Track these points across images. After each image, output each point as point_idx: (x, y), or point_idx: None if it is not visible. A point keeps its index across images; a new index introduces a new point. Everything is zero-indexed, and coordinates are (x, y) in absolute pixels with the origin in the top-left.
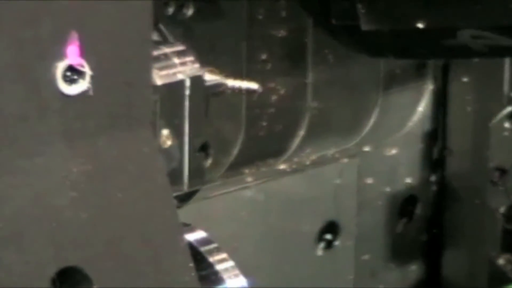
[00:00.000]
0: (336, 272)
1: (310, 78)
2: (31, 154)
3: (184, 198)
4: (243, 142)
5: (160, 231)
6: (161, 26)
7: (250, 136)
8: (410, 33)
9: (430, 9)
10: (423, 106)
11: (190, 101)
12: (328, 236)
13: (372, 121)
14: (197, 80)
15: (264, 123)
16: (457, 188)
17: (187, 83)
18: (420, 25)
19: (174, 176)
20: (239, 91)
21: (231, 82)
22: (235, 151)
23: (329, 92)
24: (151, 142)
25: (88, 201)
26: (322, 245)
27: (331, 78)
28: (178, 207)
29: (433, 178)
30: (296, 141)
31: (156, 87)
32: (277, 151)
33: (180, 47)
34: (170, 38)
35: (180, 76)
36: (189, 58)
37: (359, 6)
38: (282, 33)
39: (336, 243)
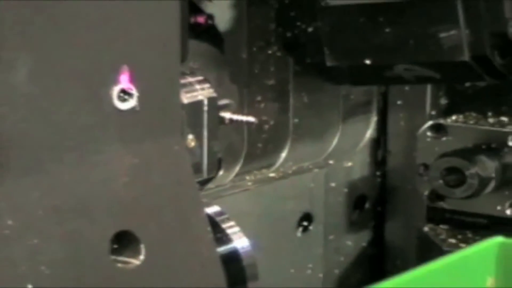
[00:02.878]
0: (311, 248)
1: (291, 112)
2: (96, 152)
3: (203, 183)
4: (245, 158)
5: (187, 205)
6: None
7: (250, 154)
8: (361, 67)
9: (374, 50)
10: (370, 133)
11: (207, 114)
12: (305, 223)
13: (334, 142)
14: (212, 100)
15: (260, 144)
16: (395, 179)
17: (205, 102)
18: (367, 62)
19: (197, 167)
20: (242, 122)
21: (236, 116)
22: (239, 164)
23: (305, 122)
24: (180, 143)
25: (136, 184)
26: (300, 229)
27: (306, 113)
28: (200, 189)
29: (378, 173)
30: (282, 156)
31: (183, 105)
32: (269, 164)
33: (200, 77)
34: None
35: (200, 97)
36: (207, 85)
37: (325, 48)
38: (272, 82)
39: (311, 227)
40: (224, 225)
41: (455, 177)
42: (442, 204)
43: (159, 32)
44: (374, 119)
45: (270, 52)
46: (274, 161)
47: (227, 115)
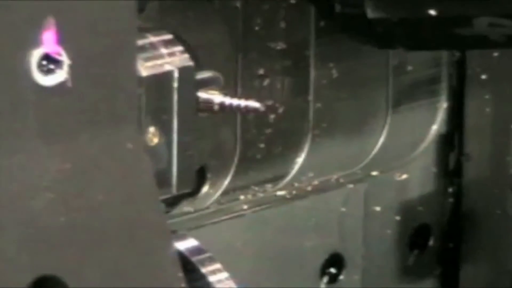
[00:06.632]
0: None
1: (312, 95)
2: (4, 152)
3: (173, 202)
4: (238, 166)
5: (146, 237)
6: None
7: (245, 159)
8: (422, 22)
9: None
10: (437, 126)
11: (179, 94)
12: (333, 270)
13: (380, 142)
14: (186, 71)
15: (261, 145)
16: (475, 200)
17: (175, 74)
18: (432, 13)
19: (162, 177)
20: (238, 110)
21: (229, 100)
22: (229, 175)
23: (333, 110)
24: (136, 140)
25: (66, 204)
26: (325, 279)
27: (336, 95)
28: (167, 212)
29: (449, 189)
30: (297, 164)
31: (141, 79)
32: (276, 176)
33: (168, 36)
34: None
35: (167, 67)
36: (178, 48)
37: None
38: (281, 45)
39: (341, 277)
40: (205, 269)
41: None
42: None
43: None
44: (443, 105)
45: None
46: (285, 171)
47: (215, 97)
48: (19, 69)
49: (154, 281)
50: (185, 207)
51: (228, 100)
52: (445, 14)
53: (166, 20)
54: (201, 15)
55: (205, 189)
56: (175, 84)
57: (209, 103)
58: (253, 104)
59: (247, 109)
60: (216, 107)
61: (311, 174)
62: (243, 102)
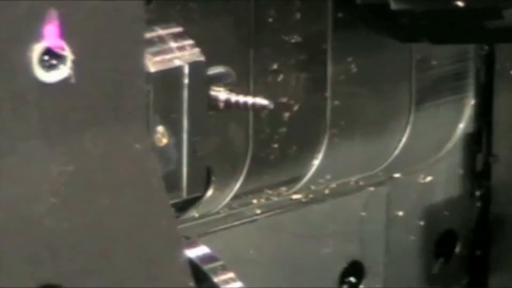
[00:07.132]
0: None
1: (329, 91)
2: (3, 153)
3: (183, 207)
4: (250, 167)
5: (155, 244)
6: None
7: (258, 160)
8: (448, 14)
9: None
10: (463, 124)
11: (189, 91)
12: (352, 279)
13: (403, 142)
14: (197, 67)
15: (275, 145)
16: (505, 204)
17: (186, 70)
18: (460, 4)
19: (171, 180)
20: (246, 107)
21: (235, 97)
22: (240, 178)
23: (352, 108)
24: (144, 140)
25: (70, 208)
26: None
27: (355, 91)
28: (176, 217)
29: (477, 193)
30: (313, 166)
31: (149, 75)
32: (291, 178)
33: (178, 29)
34: None
35: (177, 62)
36: (188, 42)
37: None
38: (296, 38)
39: (361, 286)
40: (217, 278)
41: None
42: None
43: None
44: (470, 102)
45: None
46: (300, 173)
47: (221, 94)
48: (19, 64)
49: None
50: (190, 212)
51: (234, 97)
52: (473, 5)
53: (171, 13)
54: (209, 6)
55: (209, 193)
56: (186, 80)
57: (214, 100)
58: (261, 101)
59: (255, 107)
60: (221, 105)
61: (328, 176)
62: (250, 100)
